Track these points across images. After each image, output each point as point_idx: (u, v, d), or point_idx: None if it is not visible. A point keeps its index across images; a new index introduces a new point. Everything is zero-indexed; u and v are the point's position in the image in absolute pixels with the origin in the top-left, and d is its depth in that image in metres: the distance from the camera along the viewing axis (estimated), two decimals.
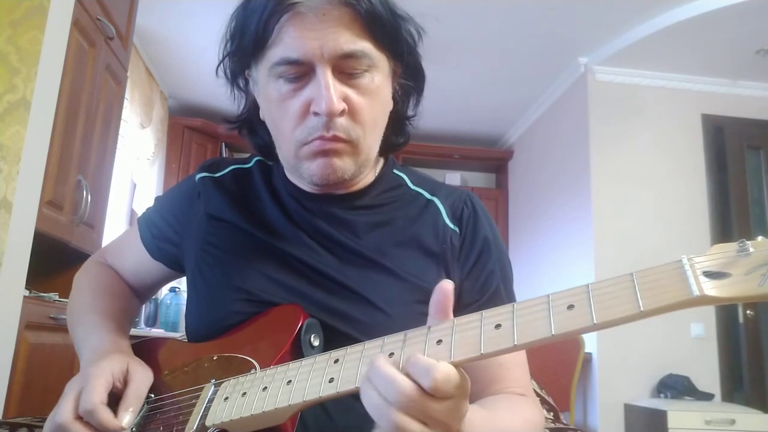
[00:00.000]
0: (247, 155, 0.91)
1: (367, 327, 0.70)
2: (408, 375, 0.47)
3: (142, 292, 0.96)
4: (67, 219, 2.01)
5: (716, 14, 3.01)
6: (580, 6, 3.09)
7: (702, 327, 3.42)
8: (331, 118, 0.68)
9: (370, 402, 0.48)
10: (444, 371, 0.46)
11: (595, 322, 0.44)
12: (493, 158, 5.20)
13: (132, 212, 3.87)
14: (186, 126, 4.43)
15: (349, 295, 0.72)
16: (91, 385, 0.64)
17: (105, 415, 0.63)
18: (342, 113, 0.69)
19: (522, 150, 4.87)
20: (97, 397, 0.63)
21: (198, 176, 0.87)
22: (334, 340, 0.68)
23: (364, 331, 0.68)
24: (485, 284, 0.78)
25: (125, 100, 2.84)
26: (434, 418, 0.47)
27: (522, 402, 0.73)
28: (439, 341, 0.50)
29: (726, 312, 3.46)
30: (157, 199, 0.95)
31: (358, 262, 0.75)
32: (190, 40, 3.54)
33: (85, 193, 2.11)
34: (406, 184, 0.85)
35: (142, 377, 0.70)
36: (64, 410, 0.64)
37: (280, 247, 0.76)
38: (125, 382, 0.69)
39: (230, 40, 0.76)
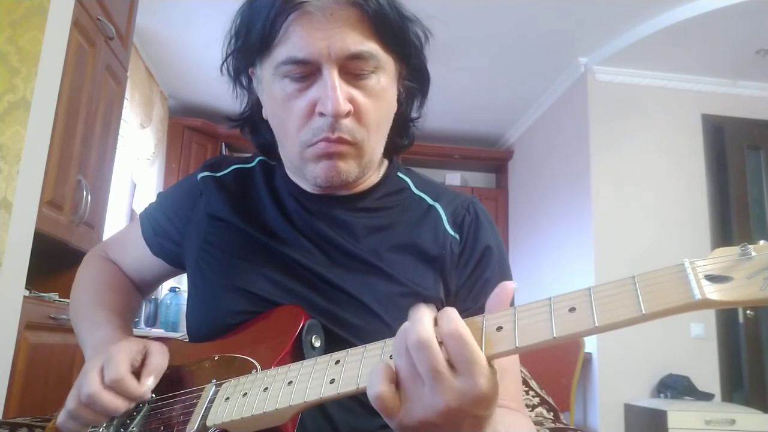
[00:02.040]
0: (247, 155, 0.91)
1: (362, 331, 0.69)
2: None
3: (143, 288, 0.96)
4: (67, 219, 2.01)
5: (716, 14, 3.01)
6: (580, 6, 3.09)
7: (702, 327, 3.42)
8: (337, 119, 0.67)
9: (399, 334, 0.49)
10: (464, 330, 0.46)
11: (596, 324, 0.44)
12: (493, 158, 5.20)
13: (132, 212, 3.87)
14: (186, 126, 4.44)
15: (344, 297, 0.72)
16: (115, 358, 0.66)
17: (132, 383, 0.66)
18: (348, 114, 0.68)
19: (522, 150, 4.87)
20: (123, 366, 0.66)
21: (200, 175, 0.86)
22: (330, 342, 0.68)
23: (359, 336, 0.68)
24: (480, 292, 0.76)
25: (125, 100, 2.84)
26: (441, 393, 0.46)
27: (522, 418, 0.73)
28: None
29: (726, 312, 3.46)
30: (159, 195, 0.94)
31: (355, 265, 0.74)
32: (190, 40, 3.54)
33: (85, 193, 2.11)
34: (410, 188, 0.84)
35: (161, 351, 0.72)
36: (91, 381, 0.65)
37: (278, 249, 0.76)
38: (142, 363, 0.70)
39: (235, 37, 0.75)
